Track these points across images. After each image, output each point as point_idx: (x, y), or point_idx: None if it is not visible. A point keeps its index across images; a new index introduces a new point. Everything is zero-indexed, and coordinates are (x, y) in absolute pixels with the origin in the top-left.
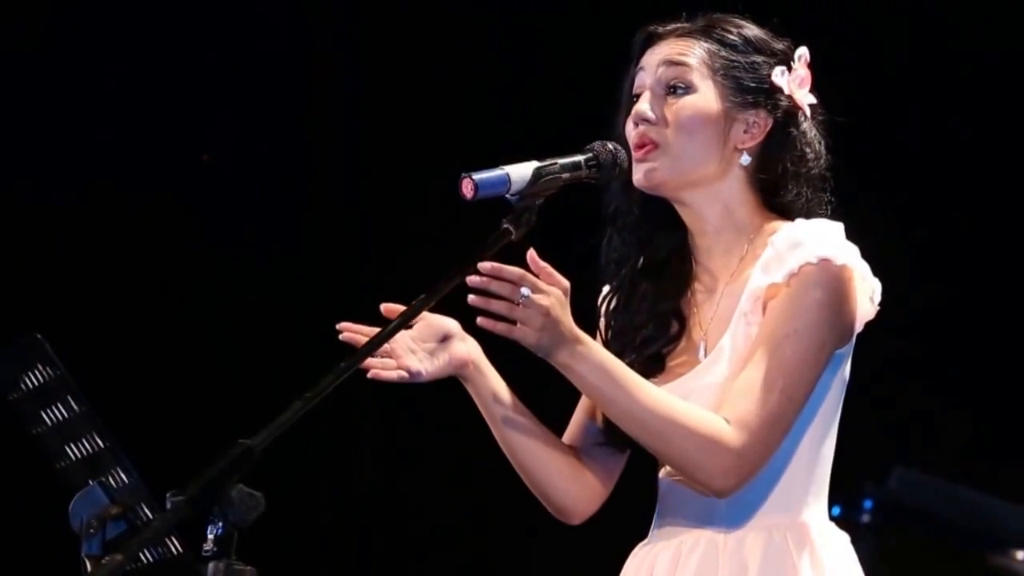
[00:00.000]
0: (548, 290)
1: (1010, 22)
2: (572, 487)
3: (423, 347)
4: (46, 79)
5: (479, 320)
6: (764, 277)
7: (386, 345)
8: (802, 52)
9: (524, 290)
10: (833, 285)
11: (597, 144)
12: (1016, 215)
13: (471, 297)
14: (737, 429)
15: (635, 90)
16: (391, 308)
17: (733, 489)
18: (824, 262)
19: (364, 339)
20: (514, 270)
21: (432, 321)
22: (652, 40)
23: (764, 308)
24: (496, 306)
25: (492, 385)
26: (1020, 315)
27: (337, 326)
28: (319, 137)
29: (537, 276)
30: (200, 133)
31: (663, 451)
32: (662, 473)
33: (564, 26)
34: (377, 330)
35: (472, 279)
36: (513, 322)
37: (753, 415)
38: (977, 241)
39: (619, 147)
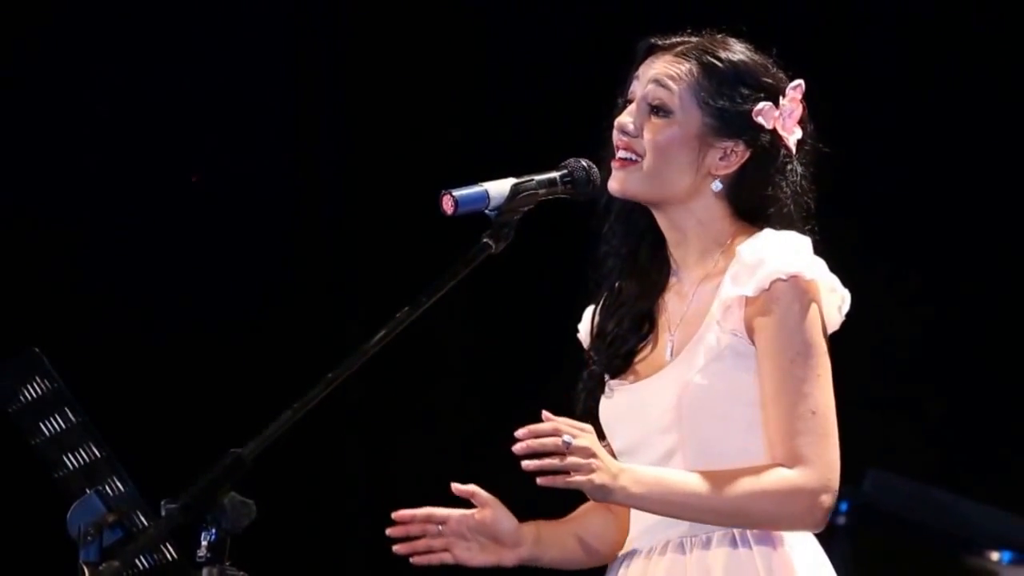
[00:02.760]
0: (581, 434)
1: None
2: (603, 549)
3: (477, 538)
4: (39, 98)
5: (539, 480)
6: (734, 288)
7: (438, 527)
8: (797, 84)
9: (566, 437)
10: (807, 298)
11: (572, 161)
12: (988, 222)
13: (526, 463)
14: (799, 469)
15: (629, 95)
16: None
17: (825, 519)
18: (794, 278)
19: (416, 531)
20: (546, 424)
21: (496, 515)
22: (652, 51)
23: (747, 325)
24: (549, 462)
25: (536, 552)
26: (993, 317)
27: (393, 515)
28: (304, 155)
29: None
30: (189, 154)
31: (746, 523)
32: None
33: (544, 48)
34: (424, 511)
35: (517, 447)
36: (567, 472)
37: (804, 447)
38: (950, 247)
39: (593, 164)
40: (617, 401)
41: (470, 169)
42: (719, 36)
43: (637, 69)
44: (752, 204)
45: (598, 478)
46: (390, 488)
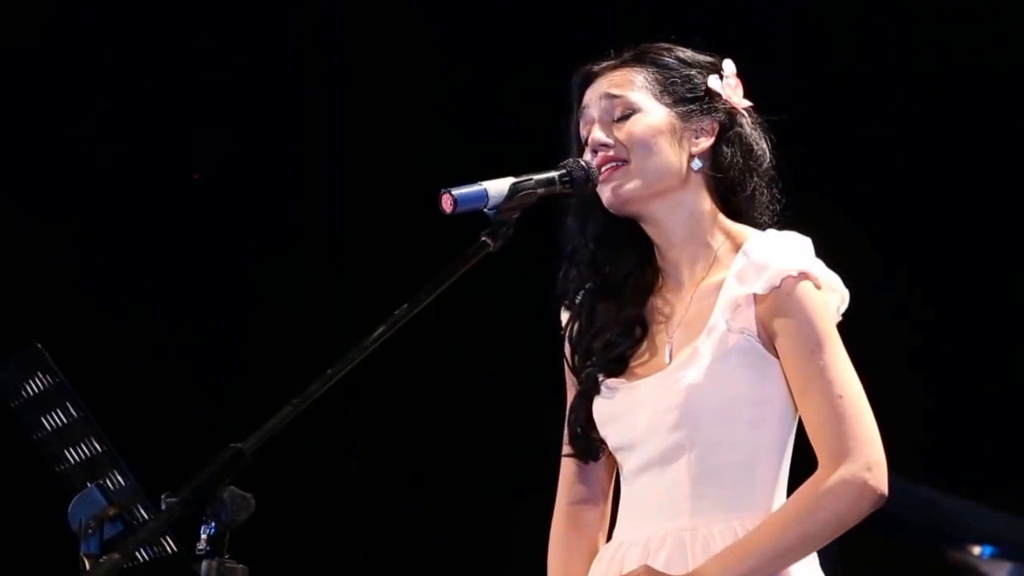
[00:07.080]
0: (632, 572)
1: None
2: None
3: None
4: (43, 97)
5: None
6: (741, 287)
7: None
8: (727, 63)
9: None
10: (816, 290)
11: (570, 161)
12: (987, 221)
13: None
14: (838, 464)
15: (583, 127)
16: None
17: (882, 493)
18: (803, 274)
19: None
20: None
21: None
22: (590, 78)
23: (759, 323)
24: None
25: None
26: (983, 314)
27: None
28: (305, 152)
29: None
30: (191, 152)
31: (818, 541)
32: (625, 473)
33: (547, 47)
34: None
35: None
36: None
37: (842, 432)
38: (946, 244)
39: (591, 164)
40: (615, 400)
41: (470, 168)
42: (644, 44)
43: (582, 100)
44: (737, 168)
45: None
46: (389, 482)
